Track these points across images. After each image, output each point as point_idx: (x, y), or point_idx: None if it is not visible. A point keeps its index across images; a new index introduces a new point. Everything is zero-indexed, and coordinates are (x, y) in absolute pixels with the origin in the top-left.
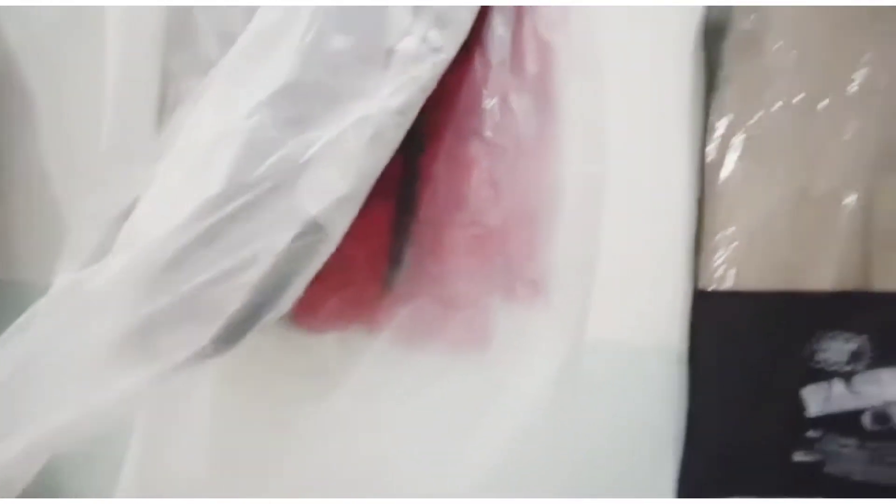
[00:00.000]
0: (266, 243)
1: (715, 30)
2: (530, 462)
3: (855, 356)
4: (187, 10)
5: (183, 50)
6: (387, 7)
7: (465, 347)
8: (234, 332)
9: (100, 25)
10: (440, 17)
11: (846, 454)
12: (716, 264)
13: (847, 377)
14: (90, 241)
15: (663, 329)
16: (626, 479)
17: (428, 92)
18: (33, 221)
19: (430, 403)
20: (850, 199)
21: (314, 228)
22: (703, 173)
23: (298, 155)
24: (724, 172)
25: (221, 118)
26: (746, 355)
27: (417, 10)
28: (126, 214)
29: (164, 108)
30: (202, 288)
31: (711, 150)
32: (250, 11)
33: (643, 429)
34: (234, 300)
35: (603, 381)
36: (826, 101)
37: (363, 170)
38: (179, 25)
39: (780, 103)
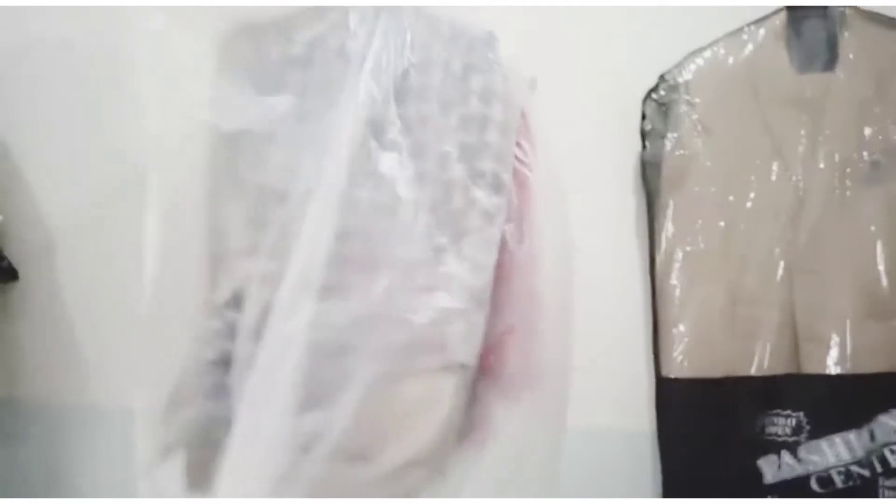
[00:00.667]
0: None
1: (651, 165)
2: None
3: (796, 430)
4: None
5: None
6: None
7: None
8: None
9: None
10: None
11: None
12: (673, 355)
13: (792, 448)
14: None
15: (633, 414)
16: None
17: None
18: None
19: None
20: (774, 303)
21: None
22: (654, 281)
23: None
24: (671, 280)
25: None
26: (706, 433)
27: None
28: None
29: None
30: None
31: (659, 262)
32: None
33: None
34: None
35: (585, 464)
36: (742, 225)
37: None
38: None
39: (708, 225)
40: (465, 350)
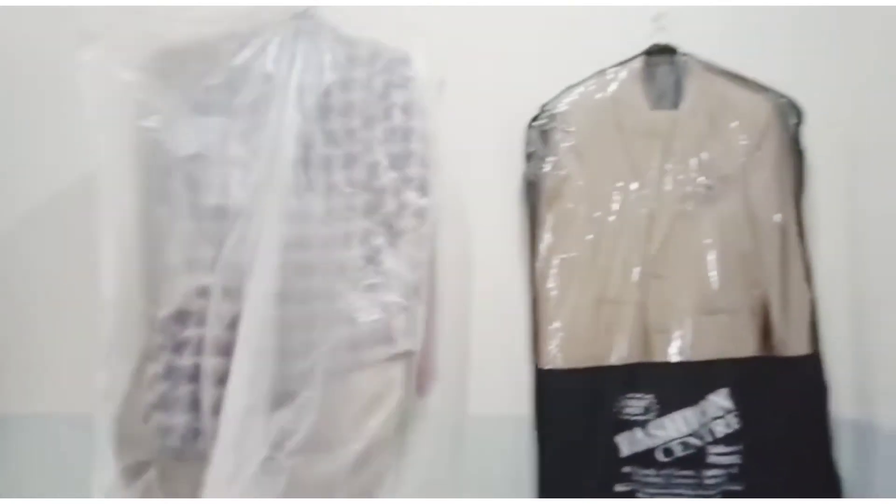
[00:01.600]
0: None
1: (533, 183)
2: None
3: (647, 409)
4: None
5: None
6: None
7: None
8: None
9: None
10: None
11: (649, 481)
12: (549, 349)
13: (643, 425)
14: None
15: (514, 401)
16: None
17: None
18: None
19: None
20: (631, 302)
21: None
22: (535, 284)
23: None
24: (548, 284)
25: None
26: (575, 415)
27: None
28: None
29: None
30: None
31: (538, 268)
32: None
33: (508, 477)
34: None
35: (477, 445)
36: (606, 237)
37: None
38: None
39: (579, 236)
40: (409, 339)
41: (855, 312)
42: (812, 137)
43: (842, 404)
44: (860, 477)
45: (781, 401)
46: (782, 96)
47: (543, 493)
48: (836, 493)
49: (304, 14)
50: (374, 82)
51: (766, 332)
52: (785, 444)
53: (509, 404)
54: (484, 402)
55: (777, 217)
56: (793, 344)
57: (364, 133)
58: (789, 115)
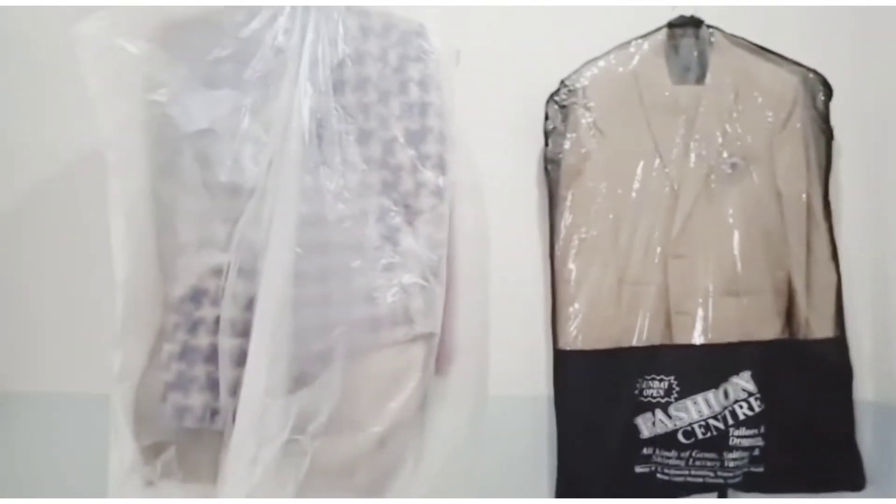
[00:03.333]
0: None
1: (552, 161)
2: (450, 491)
3: (668, 391)
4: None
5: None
6: None
7: None
8: None
9: None
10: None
11: (670, 463)
12: (569, 330)
13: (664, 407)
14: None
15: (533, 381)
16: (521, 492)
17: None
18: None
19: None
20: (653, 283)
21: None
22: (554, 264)
23: None
24: (569, 264)
25: None
26: (594, 397)
27: None
28: None
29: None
30: None
31: (558, 248)
32: None
33: (527, 457)
34: None
35: (497, 425)
36: (627, 216)
37: None
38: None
39: (600, 215)
40: (429, 321)
41: (879, 294)
42: (838, 114)
43: (863, 387)
44: (882, 459)
45: (804, 384)
46: (811, 71)
47: (562, 474)
48: (858, 476)
49: None
50: (388, 55)
51: (789, 314)
52: (807, 426)
53: (529, 385)
54: (503, 383)
55: (803, 196)
56: (817, 326)
57: (379, 108)
58: (817, 91)
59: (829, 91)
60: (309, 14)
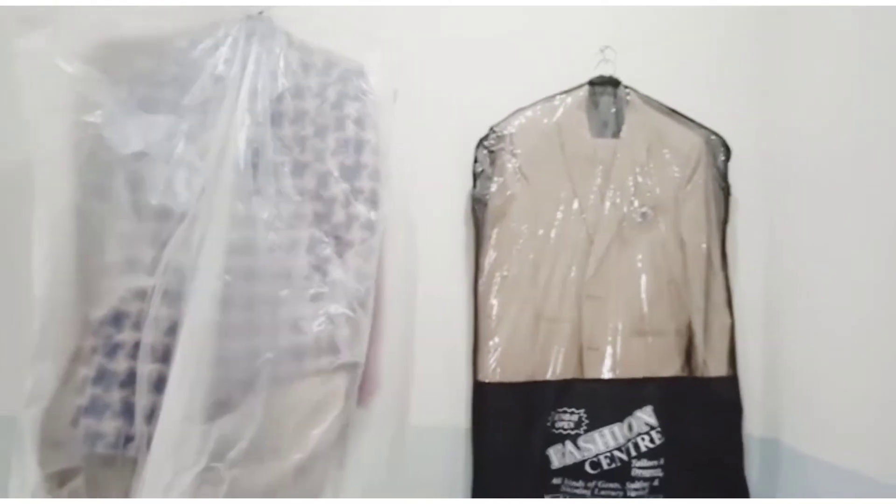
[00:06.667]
0: None
1: (479, 201)
2: None
3: (578, 424)
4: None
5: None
6: None
7: None
8: None
9: None
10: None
11: (577, 493)
12: (489, 363)
13: (574, 439)
14: None
15: (454, 412)
16: None
17: None
18: None
19: None
20: (567, 320)
21: None
22: (477, 299)
23: None
24: (490, 300)
25: None
26: (510, 427)
27: None
28: None
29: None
30: None
31: (481, 284)
32: None
33: (445, 486)
34: None
35: (416, 455)
36: (546, 256)
37: None
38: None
39: (521, 255)
40: (354, 351)
41: (769, 338)
42: (736, 173)
43: (753, 423)
44: (766, 490)
45: (700, 419)
46: (713, 133)
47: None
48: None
49: (258, 16)
50: (327, 92)
51: (689, 354)
52: (702, 458)
53: (449, 415)
54: (425, 413)
55: (703, 245)
56: (713, 365)
57: (316, 142)
58: (718, 152)
59: (728, 152)
60: (251, 46)
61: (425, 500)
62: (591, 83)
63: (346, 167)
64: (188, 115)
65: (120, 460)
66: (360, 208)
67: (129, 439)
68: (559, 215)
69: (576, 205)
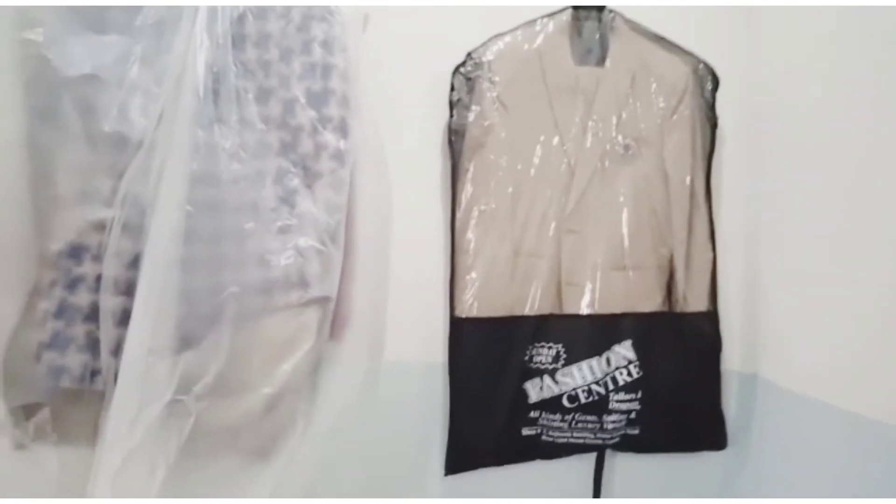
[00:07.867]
0: None
1: (456, 132)
2: (339, 455)
3: (555, 358)
4: None
5: None
6: None
7: None
8: None
9: None
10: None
11: (554, 425)
12: (466, 298)
13: (552, 373)
14: None
15: (429, 348)
16: (411, 458)
17: None
18: None
19: None
20: (546, 255)
21: None
22: (454, 234)
23: None
24: (467, 235)
25: None
26: (486, 362)
27: None
28: None
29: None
30: None
31: (458, 218)
32: None
33: (419, 421)
34: None
35: (391, 391)
36: (526, 190)
37: None
38: None
39: (499, 188)
40: (325, 285)
41: (750, 273)
42: (723, 104)
43: (731, 358)
44: (743, 423)
45: (679, 353)
46: (701, 62)
47: (454, 434)
48: (721, 437)
49: None
50: (292, 12)
51: (670, 289)
52: (679, 392)
53: (425, 351)
54: (401, 348)
55: (687, 179)
56: (693, 301)
57: (281, 66)
58: (706, 81)
59: (716, 81)
60: None
61: (425, 500)
62: (575, 7)
63: (313, 93)
64: (141, 36)
65: (86, 394)
66: (329, 137)
67: (95, 373)
68: (539, 148)
69: (557, 137)
